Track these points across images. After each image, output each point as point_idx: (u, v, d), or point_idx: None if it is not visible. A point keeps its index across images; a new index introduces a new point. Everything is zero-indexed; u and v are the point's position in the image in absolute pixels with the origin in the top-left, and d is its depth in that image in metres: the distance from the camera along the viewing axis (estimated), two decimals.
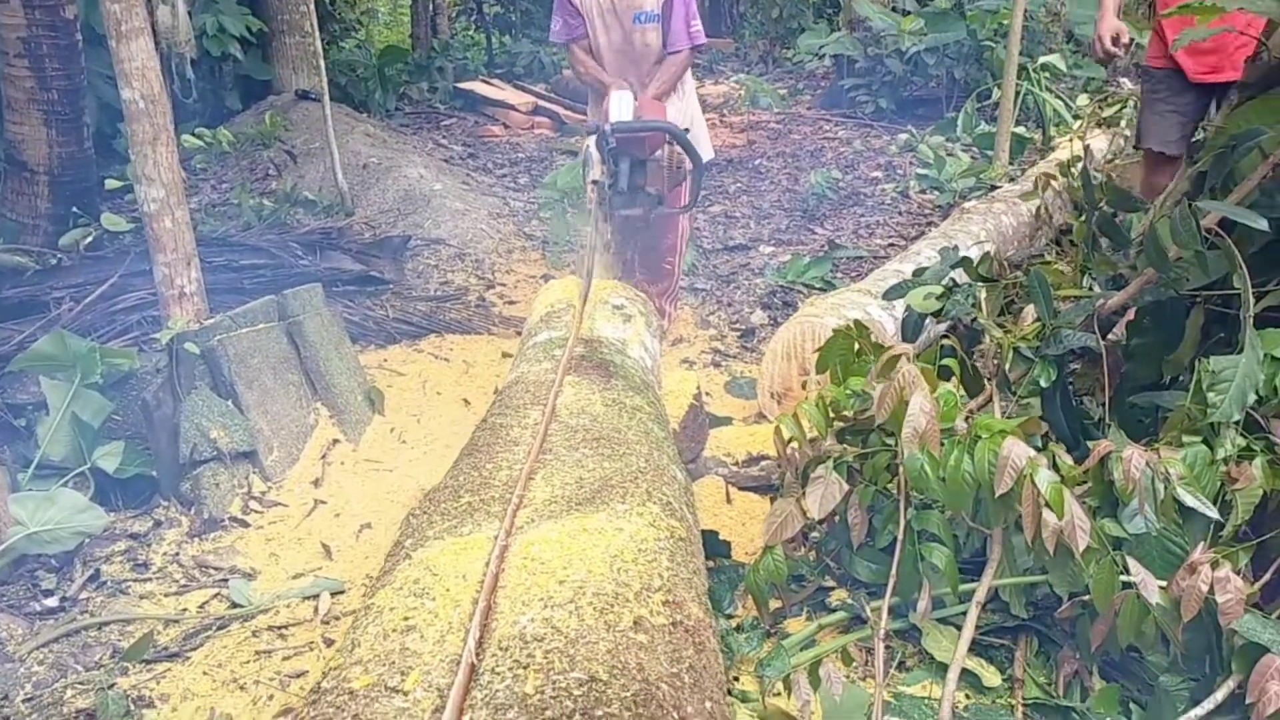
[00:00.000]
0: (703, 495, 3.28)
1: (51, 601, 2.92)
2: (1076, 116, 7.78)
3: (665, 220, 4.39)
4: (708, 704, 1.58)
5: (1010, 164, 6.96)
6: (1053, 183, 4.71)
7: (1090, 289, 2.81)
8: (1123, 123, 6.98)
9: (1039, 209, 3.21)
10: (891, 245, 6.02)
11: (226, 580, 3.02)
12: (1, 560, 2.95)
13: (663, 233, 4.51)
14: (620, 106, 3.88)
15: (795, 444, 2.52)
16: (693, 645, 1.70)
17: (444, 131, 9.63)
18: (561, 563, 1.78)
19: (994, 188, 6.13)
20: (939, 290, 2.85)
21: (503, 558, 1.84)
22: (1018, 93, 7.51)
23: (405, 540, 2.06)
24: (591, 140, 3.81)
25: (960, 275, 2.96)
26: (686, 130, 4.03)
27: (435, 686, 1.48)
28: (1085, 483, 2.37)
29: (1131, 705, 2.28)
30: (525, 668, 1.48)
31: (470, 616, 1.64)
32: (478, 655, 1.55)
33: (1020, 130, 7.65)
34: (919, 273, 3.07)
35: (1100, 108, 7.51)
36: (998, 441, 2.19)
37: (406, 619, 1.68)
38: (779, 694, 2.33)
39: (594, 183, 3.73)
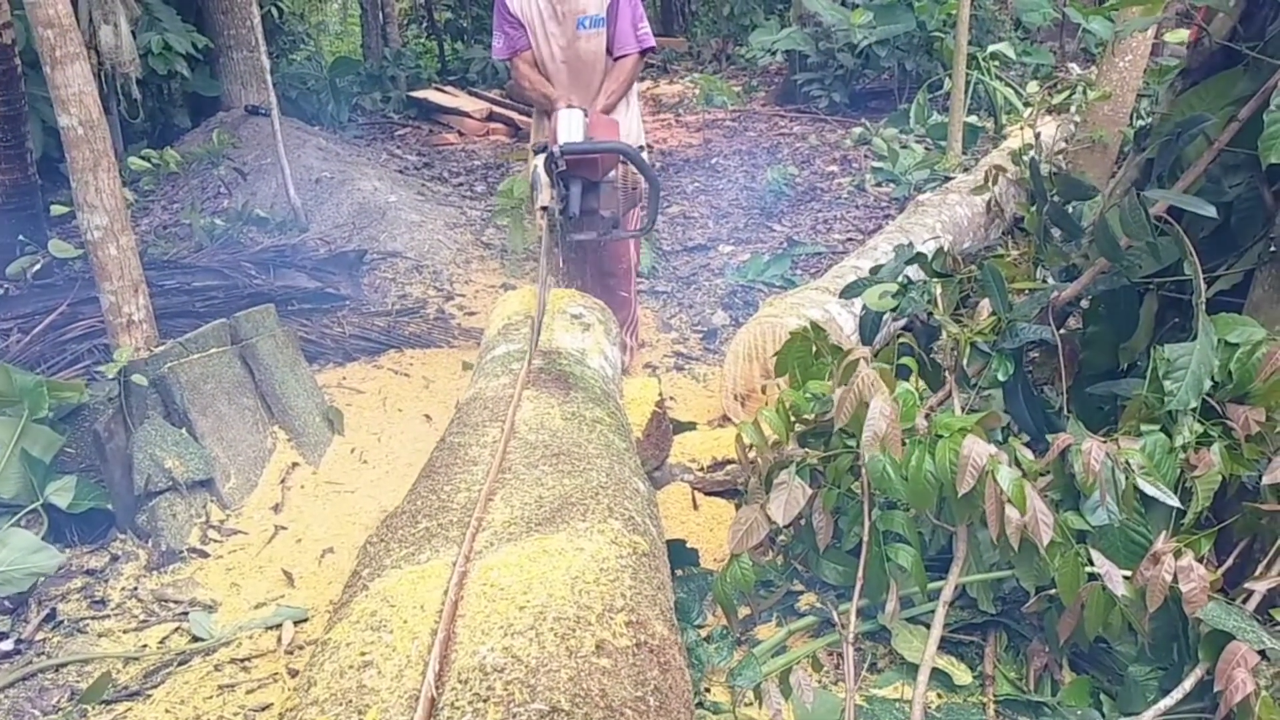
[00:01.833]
0: (669, 502, 3.25)
1: (6, 645, 2.84)
2: (1027, 104, 7.84)
3: (616, 245, 4.16)
4: None
5: (964, 154, 7.01)
6: (1004, 173, 4.75)
7: (1044, 280, 2.82)
8: (1073, 108, 7.04)
9: (989, 201, 3.21)
10: (850, 240, 6.04)
11: (187, 613, 2.95)
12: None
13: (615, 258, 4.26)
14: (569, 126, 3.61)
15: (756, 451, 2.50)
16: (658, 665, 1.67)
17: (398, 141, 9.55)
18: (521, 588, 1.75)
19: (948, 179, 6.16)
20: (894, 288, 2.84)
21: (461, 585, 1.80)
22: (968, 82, 7.56)
23: (362, 571, 2.02)
24: (540, 160, 3.54)
25: (916, 272, 2.96)
26: (642, 148, 3.85)
27: None
28: (1047, 474, 2.38)
29: (1102, 696, 2.28)
30: (485, 700, 1.45)
31: (429, 649, 1.60)
32: (437, 688, 1.52)
33: (972, 119, 7.70)
34: (875, 270, 3.06)
35: (1050, 94, 7.57)
36: (958, 440, 2.18)
37: (363, 654, 1.64)
38: (750, 704, 2.31)
39: (543, 209, 3.47)
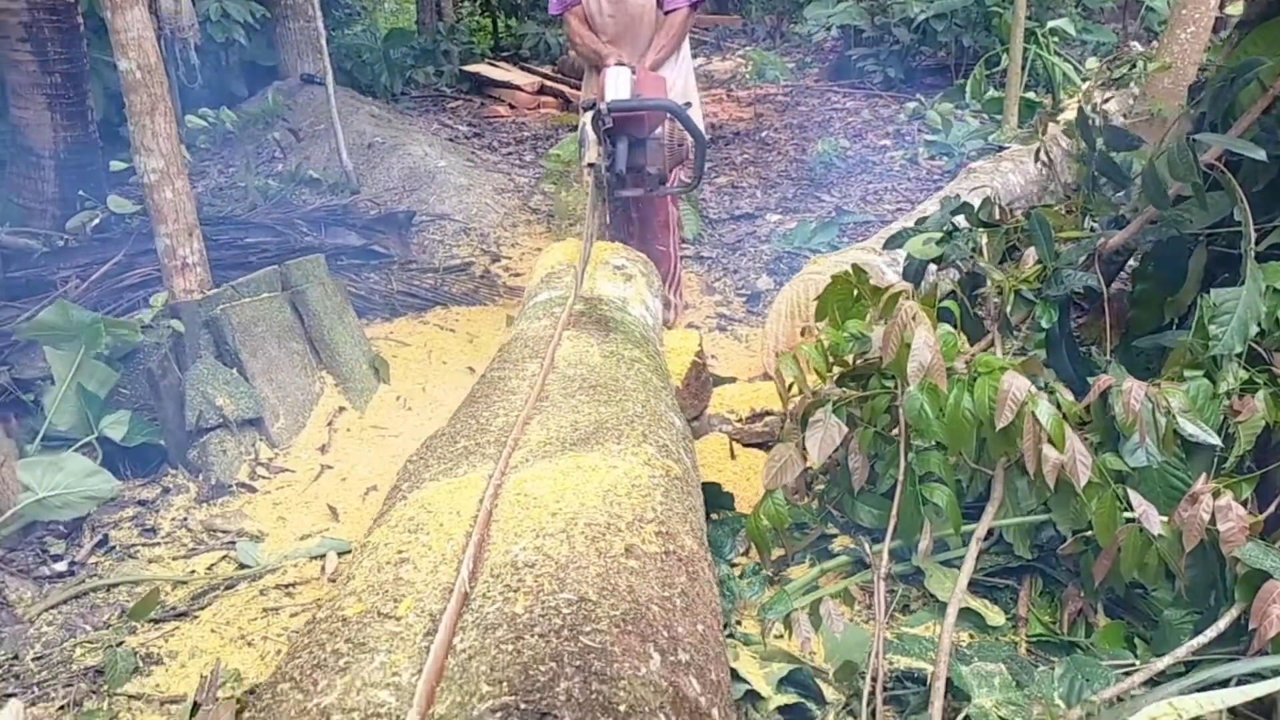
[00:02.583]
0: (706, 452, 3.27)
1: (60, 566, 2.95)
2: (1085, 79, 7.71)
3: (656, 201, 4.15)
4: (699, 627, 1.58)
5: (1019, 128, 6.91)
6: (1059, 140, 4.68)
7: (1091, 231, 2.78)
8: (1131, 84, 6.90)
9: (1038, 151, 3.17)
10: (899, 210, 5.98)
11: (234, 543, 3.04)
12: (10, 526, 2.97)
13: (652, 210, 4.23)
14: (617, 83, 3.63)
15: (795, 385, 2.51)
16: (686, 574, 1.70)
17: (450, 113, 9.62)
18: (554, 497, 1.78)
19: (1001, 149, 6.08)
20: (939, 236, 2.83)
21: (497, 495, 1.84)
22: (1026, 58, 7.45)
23: (402, 484, 2.07)
24: (587, 118, 3.60)
25: (961, 221, 2.94)
26: (687, 105, 3.85)
27: (428, 612, 1.49)
28: (1087, 422, 2.36)
29: (1136, 641, 2.26)
30: (515, 590, 1.48)
31: (463, 548, 1.64)
32: (470, 583, 1.56)
33: (1030, 95, 7.58)
34: (920, 221, 3.05)
35: (1109, 69, 7.42)
36: (997, 378, 2.17)
37: (400, 552, 1.68)
38: (780, 636, 2.33)
39: (589, 165, 3.54)
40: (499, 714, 1.17)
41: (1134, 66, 7.23)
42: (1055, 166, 3.12)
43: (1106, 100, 6.46)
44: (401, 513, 1.86)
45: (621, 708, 1.23)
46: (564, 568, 1.53)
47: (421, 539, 1.72)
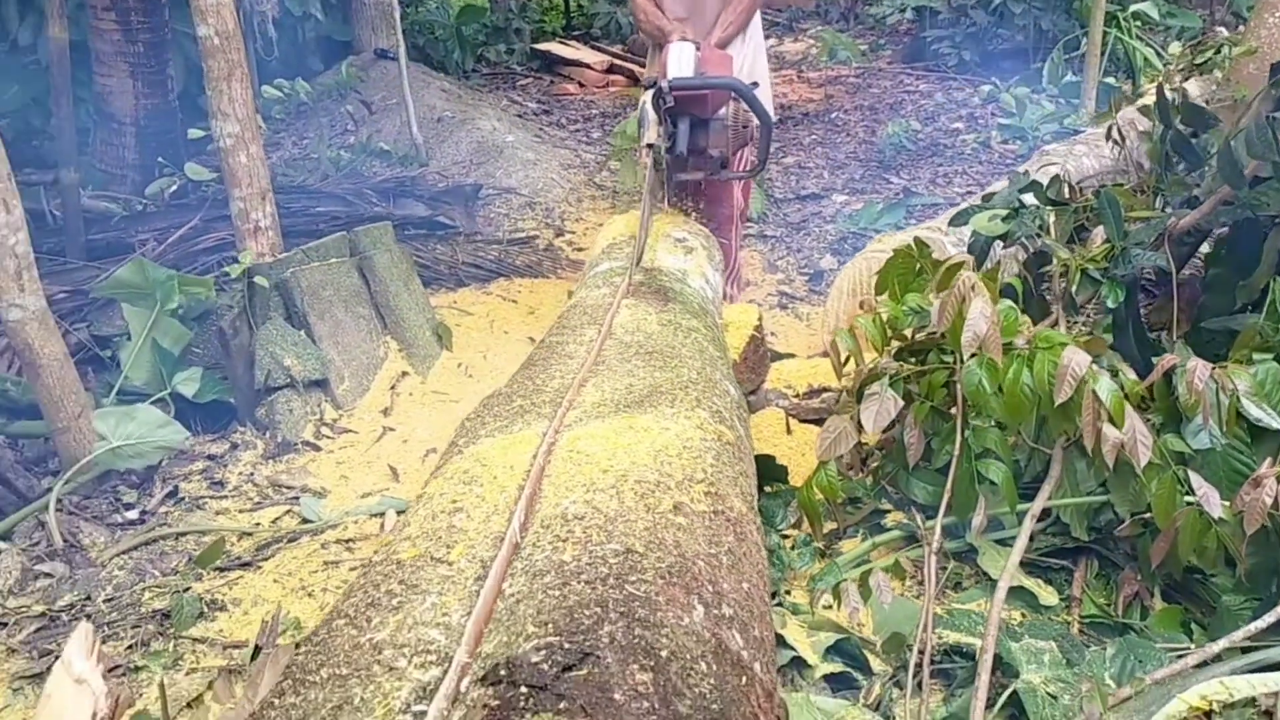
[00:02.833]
0: (762, 426, 3.27)
1: (132, 514, 3.06)
2: (1167, 65, 7.49)
3: (720, 189, 3.98)
4: (745, 585, 1.59)
5: (1096, 113, 6.75)
6: (1136, 124, 4.57)
7: (1163, 211, 2.72)
8: (1215, 70, 6.69)
9: (1110, 129, 3.10)
10: (969, 193, 5.89)
11: (298, 498, 3.12)
12: (86, 475, 3.09)
13: (718, 200, 4.06)
14: (680, 60, 3.47)
15: (851, 360, 2.50)
16: (734, 534, 1.71)
17: (519, 90, 9.68)
18: (606, 455, 1.81)
19: (1077, 133, 5.95)
20: (1005, 213, 2.79)
21: (550, 451, 1.87)
22: (1106, 41, 7.26)
23: (458, 440, 2.11)
24: (648, 97, 3.38)
25: (1030, 200, 2.90)
26: (754, 85, 3.68)
27: (479, 558, 1.52)
28: (1150, 404, 2.32)
29: (1193, 627, 2.22)
30: (564, 541, 1.51)
31: (515, 500, 1.68)
32: (520, 534, 1.59)
33: (1109, 80, 7.39)
34: (987, 198, 3.01)
35: (1193, 53, 7.21)
36: (1058, 353, 2.14)
37: (454, 502, 1.72)
38: (829, 607, 2.33)
39: (649, 146, 3.35)
40: (543, 652, 1.20)
41: (1218, 51, 7.02)
42: (1127, 144, 3.05)
43: (1187, 81, 6.28)
44: (457, 466, 1.90)
45: (663, 653, 1.25)
46: (612, 521, 1.56)
47: (475, 490, 1.75)
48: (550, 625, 1.27)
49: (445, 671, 1.24)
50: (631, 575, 1.40)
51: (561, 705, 1.10)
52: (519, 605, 1.36)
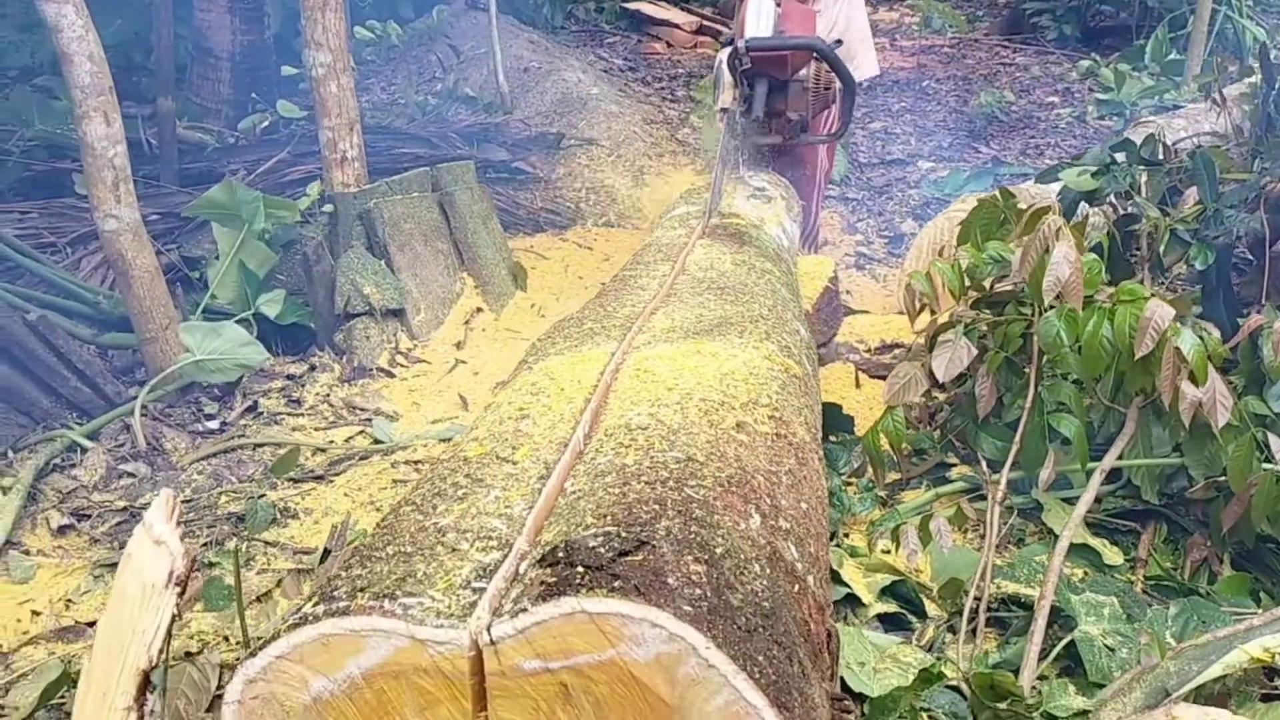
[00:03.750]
0: (832, 379, 3.26)
1: (212, 424, 3.17)
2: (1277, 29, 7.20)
3: (801, 150, 3.79)
4: (803, 505, 1.60)
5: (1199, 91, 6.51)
6: (1241, 104, 4.41)
7: (1261, 173, 2.63)
8: None
9: (1210, 90, 3.00)
10: None
11: (371, 420, 3.20)
12: (171, 385, 3.20)
13: (799, 162, 3.86)
14: (759, 17, 3.25)
15: (925, 306, 2.47)
16: (795, 458, 1.72)
17: (606, 48, 9.66)
18: (673, 375, 1.83)
19: (1177, 108, 5.75)
20: (1095, 169, 2.72)
21: (618, 369, 1.89)
22: (1214, 19, 6.99)
23: (528, 358, 2.15)
24: (724, 56, 3.24)
25: (1121, 158, 2.82)
26: (837, 43, 3.52)
27: (543, 460, 1.55)
28: (1233, 367, 2.26)
29: (1261, 596, 2.17)
30: (627, 447, 1.53)
31: (581, 410, 1.70)
32: (584, 443, 1.62)
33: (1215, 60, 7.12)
34: (1078, 157, 2.94)
35: None
36: (1140, 306, 2.09)
37: (522, 410, 1.76)
38: (887, 552, 2.32)
39: (723, 110, 3.23)
40: (601, 538, 1.22)
41: None
42: (1228, 108, 2.95)
43: None
44: (526, 378, 1.93)
45: (718, 550, 1.26)
46: (675, 432, 1.57)
47: (542, 400, 1.79)
48: (609, 518, 1.30)
49: (505, 555, 1.28)
50: (691, 480, 1.42)
51: (616, 584, 1.12)
52: (579, 501, 1.39)
